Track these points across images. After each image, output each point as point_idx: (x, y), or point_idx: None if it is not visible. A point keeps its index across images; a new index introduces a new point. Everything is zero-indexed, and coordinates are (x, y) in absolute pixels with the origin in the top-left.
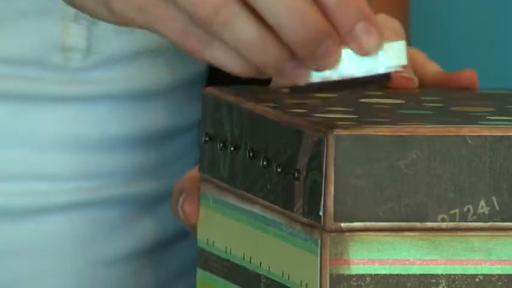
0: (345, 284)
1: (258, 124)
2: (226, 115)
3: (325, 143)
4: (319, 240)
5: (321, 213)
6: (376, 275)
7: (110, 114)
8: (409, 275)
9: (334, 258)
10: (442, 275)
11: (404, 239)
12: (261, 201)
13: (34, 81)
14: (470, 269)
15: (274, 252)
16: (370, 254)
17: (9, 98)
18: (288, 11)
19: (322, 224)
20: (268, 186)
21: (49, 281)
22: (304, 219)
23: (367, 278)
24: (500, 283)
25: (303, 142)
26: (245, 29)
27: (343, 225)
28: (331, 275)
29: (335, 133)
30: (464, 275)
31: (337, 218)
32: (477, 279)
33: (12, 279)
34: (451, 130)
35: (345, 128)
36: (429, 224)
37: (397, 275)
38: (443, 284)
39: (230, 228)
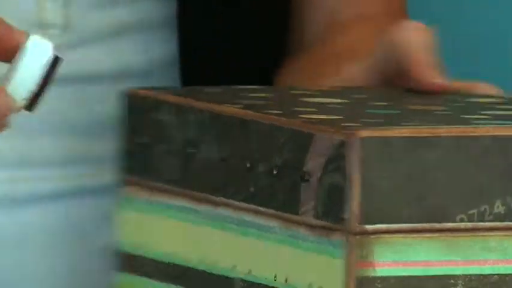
0: (370, 286)
1: (230, 126)
2: (172, 117)
3: (349, 145)
4: (342, 243)
5: (345, 216)
6: (399, 276)
7: (96, 95)
8: (429, 276)
9: (359, 260)
10: (460, 275)
11: (424, 240)
12: (235, 203)
13: None
14: (487, 269)
15: (259, 254)
16: (394, 255)
17: None
18: None
19: (346, 226)
20: (251, 189)
21: (40, 271)
22: (316, 222)
23: (392, 280)
24: None
25: (314, 144)
26: None
27: (368, 227)
28: (356, 278)
29: (361, 135)
30: (481, 275)
31: (362, 220)
32: (493, 279)
33: (1, 270)
34: (466, 130)
35: (370, 130)
36: (448, 225)
37: (418, 276)
38: (460, 284)
39: (175, 231)
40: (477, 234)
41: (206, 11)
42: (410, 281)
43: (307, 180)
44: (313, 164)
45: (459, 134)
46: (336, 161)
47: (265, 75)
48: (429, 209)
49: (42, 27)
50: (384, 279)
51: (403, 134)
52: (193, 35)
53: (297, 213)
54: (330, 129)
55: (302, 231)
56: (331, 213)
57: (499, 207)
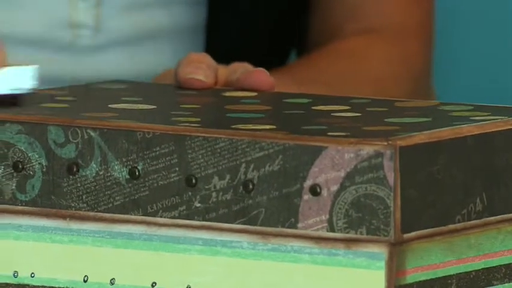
0: None
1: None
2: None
3: (388, 155)
4: (380, 254)
5: (386, 226)
6: (419, 281)
7: None
8: (446, 276)
9: (398, 270)
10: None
11: (436, 244)
12: (180, 221)
13: (41, 63)
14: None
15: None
16: (415, 262)
17: None
18: None
19: (388, 236)
20: (210, 204)
21: None
22: (331, 235)
23: (414, 286)
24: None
25: (323, 157)
26: None
27: (405, 236)
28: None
29: (400, 144)
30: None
31: (402, 230)
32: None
33: None
34: (456, 132)
35: (405, 139)
36: (451, 226)
37: (433, 279)
38: (455, 284)
39: (64, 256)
40: (466, 233)
41: (235, 20)
42: (425, 285)
43: (319, 193)
44: (324, 177)
45: (454, 136)
46: (368, 172)
47: None
48: (440, 212)
49: (73, 27)
50: (408, 285)
51: (432, 139)
52: (220, 41)
53: (294, 227)
54: (346, 141)
55: (308, 244)
56: (361, 225)
57: (478, 205)
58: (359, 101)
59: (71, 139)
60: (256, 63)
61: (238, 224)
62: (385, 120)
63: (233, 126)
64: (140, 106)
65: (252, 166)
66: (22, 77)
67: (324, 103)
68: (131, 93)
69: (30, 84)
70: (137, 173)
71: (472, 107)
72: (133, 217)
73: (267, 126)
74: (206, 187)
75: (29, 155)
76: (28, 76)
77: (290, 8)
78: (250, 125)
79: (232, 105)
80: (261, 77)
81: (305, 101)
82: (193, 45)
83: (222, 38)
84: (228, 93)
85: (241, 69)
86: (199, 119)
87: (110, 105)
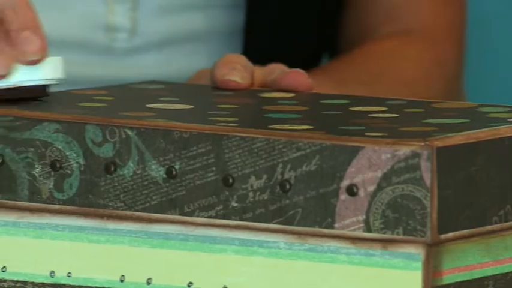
0: None
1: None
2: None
3: (425, 156)
4: (417, 255)
5: (424, 227)
6: (456, 283)
7: None
8: (482, 277)
9: (434, 271)
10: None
11: (473, 245)
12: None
13: (78, 65)
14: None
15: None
16: (452, 262)
17: None
18: None
19: (425, 237)
20: (246, 203)
21: None
22: (368, 235)
23: (451, 287)
24: None
25: (360, 158)
26: None
27: (441, 237)
28: None
29: (437, 145)
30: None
31: (438, 230)
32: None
33: None
34: (494, 133)
35: (442, 139)
36: (488, 227)
37: (469, 280)
38: (491, 285)
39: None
40: (504, 234)
41: (272, 22)
42: (462, 286)
43: (356, 194)
44: (360, 177)
45: (492, 137)
46: (405, 172)
47: None
48: (478, 213)
49: (110, 30)
50: (445, 286)
51: (470, 140)
52: (257, 44)
53: (331, 227)
54: (383, 141)
55: (344, 244)
56: (398, 226)
57: None
58: (396, 102)
59: (108, 138)
60: (292, 65)
61: (275, 224)
62: (423, 121)
63: (270, 127)
64: (177, 106)
65: (289, 166)
66: (50, 68)
67: (361, 104)
68: (168, 93)
69: (58, 75)
70: (174, 173)
71: (510, 109)
72: (170, 217)
73: (304, 127)
74: (243, 187)
75: (67, 154)
76: (56, 67)
77: (325, 10)
78: (287, 125)
79: (269, 105)
80: (298, 77)
81: (342, 102)
82: (230, 48)
83: (259, 40)
84: (265, 94)
85: (278, 70)
86: (236, 119)
87: (147, 105)
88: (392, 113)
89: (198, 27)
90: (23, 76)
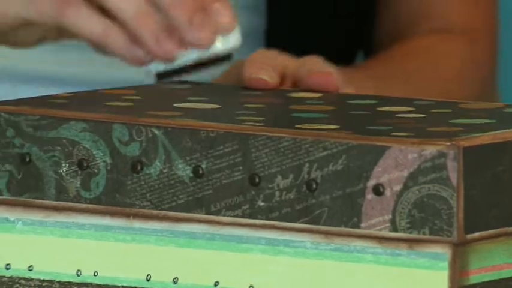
0: None
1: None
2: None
3: (452, 156)
4: (444, 254)
5: (450, 227)
6: (483, 282)
7: None
8: (510, 277)
9: (461, 270)
10: None
11: (500, 245)
12: (243, 220)
13: (106, 64)
14: None
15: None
16: (479, 262)
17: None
18: None
19: (452, 237)
20: (273, 203)
21: None
22: (394, 234)
23: (478, 287)
24: None
25: (386, 157)
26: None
27: (468, 237)
28: None
29: (464, 145)
30: None
31: (465, 230)
32: None
33: None
34: None
35: (468, 139)
36: None
37: (496, 280)
38: None
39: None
40: None
41: (296, 23)
42: (489, 286)
43: (382, 193)
44: (387, 176)
45: None
46: (431, 172)
47: None
48: (505, 213)
49: None
50: (472, 286)
51: (496, 140)
52: (281, 46)
53: (357, 227)
54: (409, 141)
55: (370, 243)
56: (424, 225)
57: None
58: (423, 102)
59: (135, 137)
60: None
61: (301, 223)
62: (449, 121)
63: (297, 126)
64: (204, 105)
65: (315, 165)
66: (235, 36)
67: (388, 104)
68: (196, 93)
69: (240, 42)
70: (201, 172)
71: None
72: (196, 216)
73: (331, 126)
74: (269, 186)
75: (94, 152)
76: (238, 35)
77: (353, 10)
78: (314, 125)
79: (296, 105)
80: (324, 77)
81: (369, 102)
82: (251, 49)
83: (283, 42)
84: (292, 94)
85: (308, 64)
86: (263, 118)
87: (174, 105)
88: (420, 113)
89: None
90: (218, 45)
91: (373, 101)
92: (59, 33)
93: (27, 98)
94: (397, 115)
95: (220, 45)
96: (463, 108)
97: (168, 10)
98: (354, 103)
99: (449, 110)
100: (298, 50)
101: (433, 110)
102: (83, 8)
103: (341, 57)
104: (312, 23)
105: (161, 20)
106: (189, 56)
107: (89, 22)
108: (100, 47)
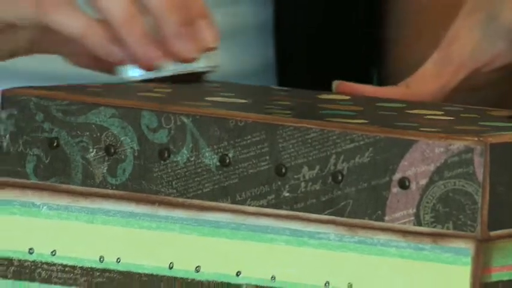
0: None
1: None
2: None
3: (478, 151)
4: (467, 250)
5: (474, 222)
6: (505, 281)
7: None
8: None
9: (484, 267)
10: None
11: None
12: (268, 210)
13: None
14: None
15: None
16: (502, 260)
17: None
18: None
19: (475, 233)
20: (298, 193)
21: None
22: (415, 228)
23: (499, 285)
24: None
25: (413, 151)
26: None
27: (492, 233)
28: (481, 284)
29: (491, 141)
30: None
31: (489, 227)
32: None
33: None
34: None
35: (496, 136)
36: None
37: None
38: None
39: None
40: None
41: (302, 17)
42: (510, 284)
43: (408, 187)
44: (413, 170)
45: None
46: (458, 167)
47: (362, 76)
48: None
49: None
50: (494, 284)
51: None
52: (288, 40)
53: (382, 220)
54: (436, 135)
55: (393, 237)
56: (448, 220)
57: None
58: (452, 108)
59: (163, 125)
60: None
61: (325, 214)
62: (478, 123)
63: (325, 118)
64: (235, 100)
65: (342, 157)
66: (213, 55)
67: (418, 108)
68: (228, 90)
69: (217, 62)
70: (227, 161)
71: None
72: (221, 205)
73: (359, 121)
74: (295, 177)
75: (121, 139)
76: (216, 55)
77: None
78: (342, 119)
79: (325, 104)
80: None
81: (399, 105)
82: (260, 45)
83: (290, 36)
84: (323, 96)
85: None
86: (291, 112)
87: (205, 98)
88: (449, 116)
89: (227, 23)
90: (200, 62)
91: (403, 105)
92: (31, 43)
93: (58, 85)
94: (425, 116)
95: (202, 62)
96: (492, 115)
97: (158, 18)
98: (383, 106)
99: (478, 116)
100: (306, 42)
101: (461, 115)
102: (65, 5)
103: (352, 47)
104: (319, 14)
105: (148, 28)
106: (167, 68)
107: (70, 18)
108: (80, 49)
